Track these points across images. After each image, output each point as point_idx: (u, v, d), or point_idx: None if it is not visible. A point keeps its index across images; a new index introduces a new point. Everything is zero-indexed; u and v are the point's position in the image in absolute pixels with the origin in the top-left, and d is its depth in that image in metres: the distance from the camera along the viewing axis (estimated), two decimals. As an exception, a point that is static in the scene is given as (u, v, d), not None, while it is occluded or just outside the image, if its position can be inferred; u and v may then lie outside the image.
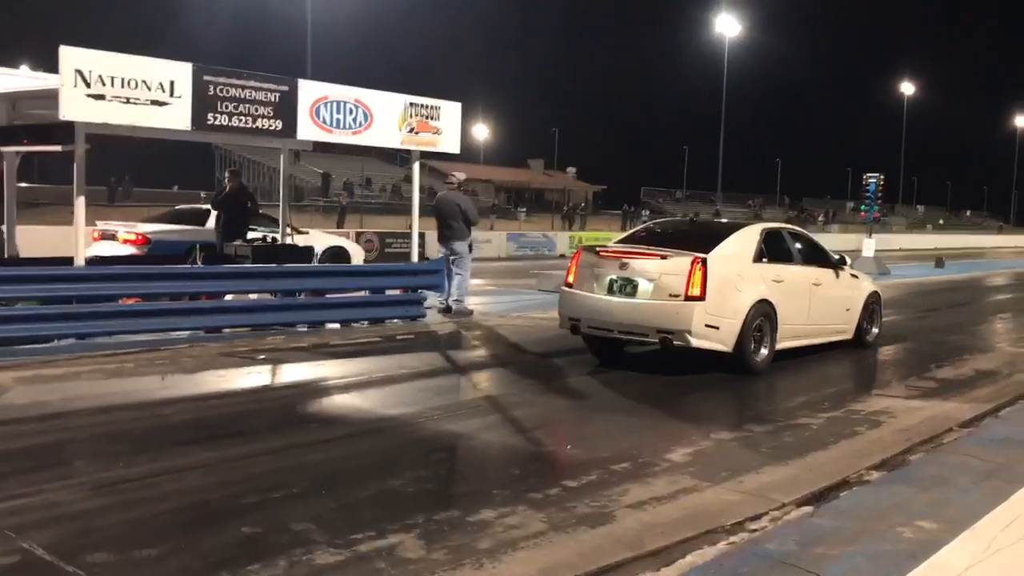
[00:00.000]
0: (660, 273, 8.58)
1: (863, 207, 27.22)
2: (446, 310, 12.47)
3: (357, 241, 20.70)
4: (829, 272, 10.20)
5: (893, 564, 4.07)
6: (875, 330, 11.15)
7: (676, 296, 8.42)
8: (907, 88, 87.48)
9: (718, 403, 7.89)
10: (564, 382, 8.24)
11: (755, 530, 4.58)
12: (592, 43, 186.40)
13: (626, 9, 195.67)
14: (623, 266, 8.77)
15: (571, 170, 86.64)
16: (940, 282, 23.46)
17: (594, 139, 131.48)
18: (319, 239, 17.99)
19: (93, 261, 11.08)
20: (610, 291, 8.84)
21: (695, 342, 8.43)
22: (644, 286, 8.64)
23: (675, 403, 7.67)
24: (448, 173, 14.70)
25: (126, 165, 49.35)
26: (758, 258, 9.20)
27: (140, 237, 13.82)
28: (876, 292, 11.19)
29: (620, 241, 9.90)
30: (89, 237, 14.74)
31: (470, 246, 12.75)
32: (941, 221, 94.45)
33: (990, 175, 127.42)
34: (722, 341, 8.56)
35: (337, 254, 17.13)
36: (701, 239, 9.08)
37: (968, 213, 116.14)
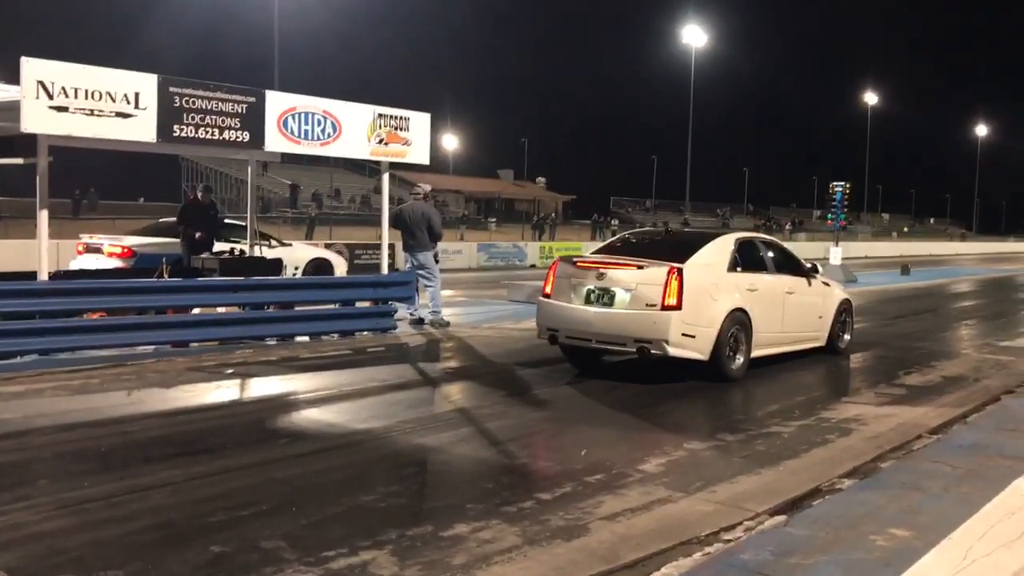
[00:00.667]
0: (637, 283, 8.64)
1: (830, 215, 27.54)
2: (417, 322, 12.41)
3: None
4: (802, 280, 10.33)
5: (867, 573, 4.08)
6: (847, 337, 11.30)
7: (653, 306, 8.49)
8: (871, 98, 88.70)
9: (691, 412, 7.90)
10: (536, 393, 8.20)
11: (729, 540, 4.57)
12: (560, 54, 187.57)
13: (594, 20, 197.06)
14: (600, 276, 8.82)
15: (541, 180, 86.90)
16: (906, 289, 23.74)
17: (564, 150, 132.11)
18: (302, 251, 17.93)
19: (78, 274, 10.93)
20: (588, 301, 8.89)
21: (672, 351, 8.50)
22: (621, 296, 8.70)
23: (648, 413, 7.66)
24: (415, 184, 14.65)
25: (91, 177, 48.78)
26: (732, 267, 9.30)
27: (126, 250, 13.71)
28: (847, 300, 11.35)
29: (597, 252, 9.94)
30: (74, 250, 14.67)
31: (436, 257, 12.70)
32: (906, 229, 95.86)
33: (952, 184, 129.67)
34: (699, 350, 8.65)
35: (320, 266, 17.07)
36: (676, 249, 9.17)
37: (932, 221, 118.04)
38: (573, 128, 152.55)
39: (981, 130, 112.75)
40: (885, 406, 8.03)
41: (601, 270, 8.87)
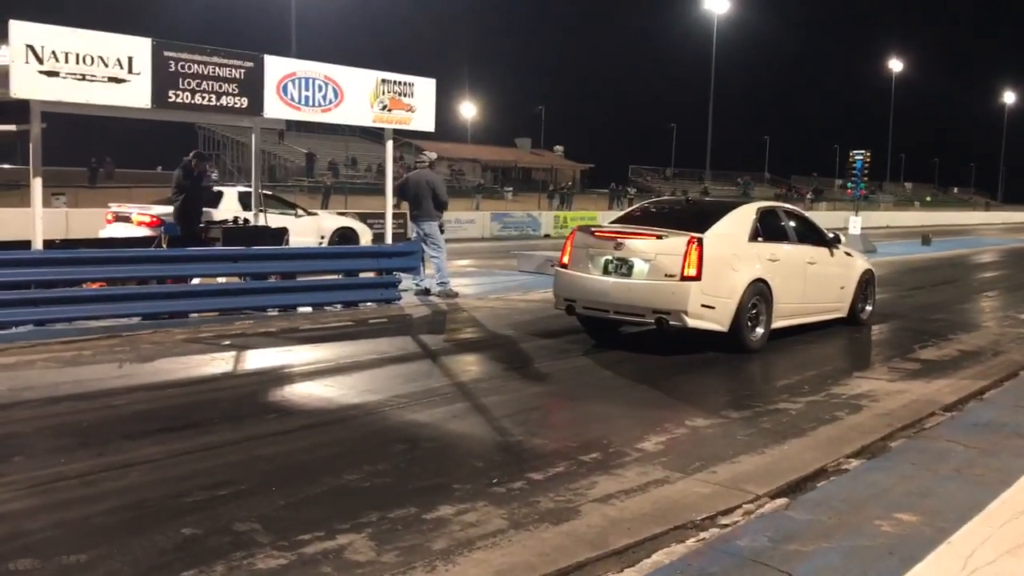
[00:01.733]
0: (656, 253, 8.49)
1: (850, 184, 27.03)
2: (422, 292, 12.20)
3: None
4: (823, 251, 10.15)
5: (869, 561, 3.86)
6: (868, 308, 11.15)
7: (672, 276, 8.35)
8: (895, 65, 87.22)
9: (697, 387, 7.65)
10: (538, 367, 7.98)
11: (726, 525, 4.35)
12: (579, 21, 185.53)
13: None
14: (619, 246, 8.67)
15: (558, 149, 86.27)
16: (926, 259, 23.30)
17: (581, 118, 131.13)
18: (328, 220, 17.83)
19: (108, 243, 10.81)
20: (605, 271, 8.76)
21: (691, 322, 8.38)
22: (640, 266, 8.56)
23: (650, 388, 7.43)
24: (420, 151, 14.40)
25: (108, 146, 48.85)
26: (753, 237, 9.12)
27: (154, 219, 13.68)
28: (870, 270, 11.18)
29: (615, 221, 9.75)
30: (103, 219, 14.75)
31: (441, 227, 12.45)
32: (928, 198, 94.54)
33: (977, 152, 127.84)
34: (718, 321, 8.52)
35: (346, 235, 17.00)
36: (696, 218, 8.97)
37: (955, 190, 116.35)
38: (591, 96, 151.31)
39: (1008, 97, 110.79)
40: (898, 381, 7.76)
41: (619, 240, 8.72)
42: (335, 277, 11.35)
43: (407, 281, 12.11)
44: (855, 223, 25.01)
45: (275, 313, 10.29)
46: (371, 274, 11.51)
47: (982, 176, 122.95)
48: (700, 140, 73.93)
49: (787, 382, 7.72)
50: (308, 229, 16.79)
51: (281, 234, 12.01)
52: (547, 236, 32.11)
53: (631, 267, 8.62)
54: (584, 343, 9.21)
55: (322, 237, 16.88)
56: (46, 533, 4.01)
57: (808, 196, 69.86)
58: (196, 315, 9.73)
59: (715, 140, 72.43)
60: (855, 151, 25.75)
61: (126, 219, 14.20)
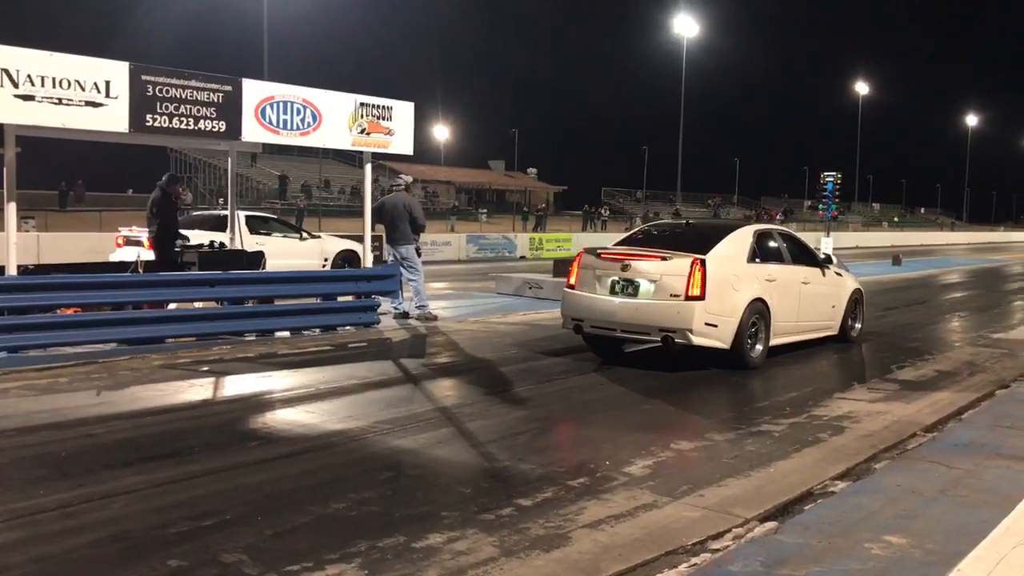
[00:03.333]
0: (661, 274, 8.84)
1: (821, 206, 27.33)
2: (401, 316, 12.15)
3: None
4: (816, 271, 10.57)
5: (862, 585, 3.86)
6: (858, 325, 11.56)
7: (677, 296, 8.71)
8: (862, 88, 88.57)
9: (678, 410, 7.64)
10: (520, 391, 7.96)
11: (717, 550, 4.34)
12: (551, 45, 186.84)
13: (585, 11, 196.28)
14: (625, 267, 9.02)
15: (532, 171, 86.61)
16: (897, 280, 23.59)
17: (555, 140, 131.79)
18: (331, 243, 17.86)
19: (82, 268, 10.69)
20: (612, 292, 9.11)
21: (696, 340, 8.71)
22: (646, 286, 8.92)
23: (632, 412, 7.43)
24: (397, 174, 14.41)
25: (79, 169, 48.37)
26: (752, 258, 9.49)
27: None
28: (859, 289, 11.58)
29: (619, 244, 10.06)
30: (113, 243, 14.68)
31: (418, 250, 12.43)
32: (896, 219, 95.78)
33: (943, 173, 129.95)
34: (721, 339, 8.85)
35: (348, 258, 17.00)
36: (698, 241, 9.36)
37: (922, 210, 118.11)
38: (564, 119, 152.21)
39: (971, 120, 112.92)
40: (879, 402, 7.81)
41: (626, 261, 9.05)
42: (314, 301, 11.26)
43: (386, 305, 12.06)
44: (827, 243, 25.24)
45: (253, 338, 10.19)
46: (350, 298, 11.44)
47: (947, 196, 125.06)
48: (671, 162, 74.56)
49: (769, 403, 7.76)
50: (312, 252, 16.96)
51: (258, 258, 11.93)
52: (523, 258, 32.17)
53: (637, 287, 8.96)
54: (565, 366, 9.21)
55: (325, 260, 16.96)
56: (28, 568, 3.91)
57: (778, 217, 70.57)
58: (173, 340, 9.62)
59: (686, 162, 73.12)
60: (827, 172, 26.08)
61: (137, 243, 14.04)
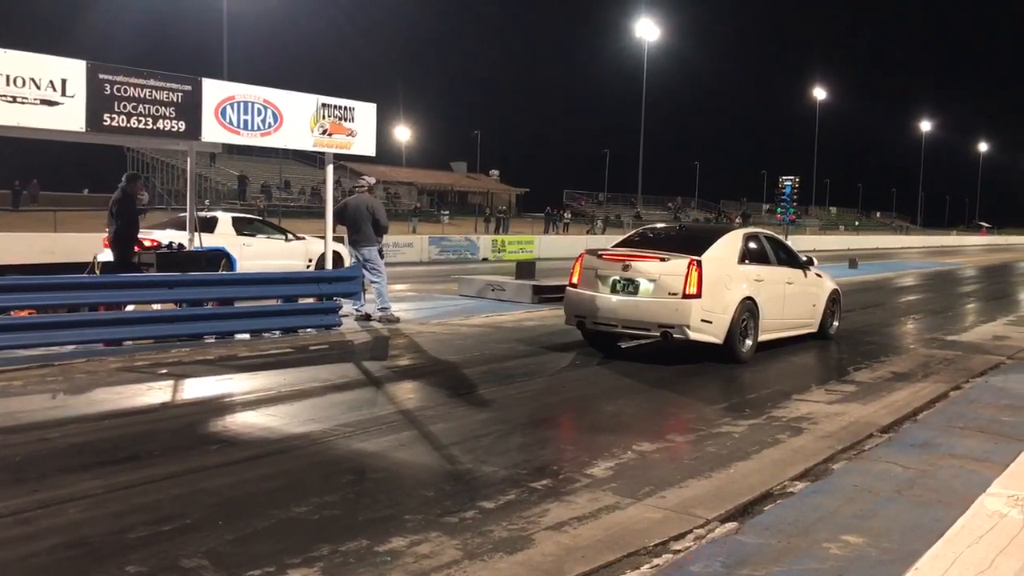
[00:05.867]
0: (660, 274, 9.46)
1: (779, 209, 27.72)
2: (363, 318, 12.09)
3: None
4: (799, 272, 11.24)
5: (820, 585, 3.92)
6: (836, 324, 12.26)
7: (675, 294, 9.35)
8: (820, 93, 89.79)
9: (638, 411, 7.68)
10: (483, 393, 7.96)
11: (679, 551, 4.37)
12: (514, 47, 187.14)
13: (548, 14, 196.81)
14: (626, 267, 9.65)
15: (494, 173, 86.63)
16: (854, 283, 23.92)
17: (517, 142, 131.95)
18: (315, 244, 17.84)
19: (37, 269, 10.51)
20: (614, 290, 9.73)
21: (692, 335, 9.36)
22: (645, 285, 9.55)
23: (595, 413, 7.47)
24: (359, 175, 14.39)
25: (31, 167, 47.44)
26: (742, 259, 10.15)
27: (153, 242, 13.60)
28: (837, 290, 12.33)
29: (617, 245, 10.60)
30: (101, 243, 14.46)
31: (380, 251, 12.40)
32: (857, 223, 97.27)
33: (898, 178, 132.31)
34: (715, 334, 9.51)
35: (332, 260, 16.91)
36: (692, 243, 9.98)
37: (878, 214, 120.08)
38: (527, 121, 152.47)
39: (926, 126, 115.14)
40: (836, 403, 7.94)
41: (626, 262, 9.67)
42: (274, 303, 11.16)
43: (347, 307, 11.99)
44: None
45: (212, 340, 10.08)
46: (311, 300, 11.36)
47: (903, 201, 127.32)
48: (632, 165, 74.96)
49: (727, 404, 7.83)
50: (298, 253, 17.10)
51: (218, 260, 11.80)
52: (485, 260, 32.17)
53: (637, 286, 9.58)
54: (528, 368, 9.24)
55: (310, 261, 17.03)
56: (-18, 575, 3.84)
57: (736, 220, 71.37)
58: (131, 343, 9.48)
59: (647, 165, 73.49)
60: (785, 177, 26.44)
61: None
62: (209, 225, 15.85)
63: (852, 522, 4.73)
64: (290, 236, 17.56)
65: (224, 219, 17.00)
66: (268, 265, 15.50)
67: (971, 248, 70.73)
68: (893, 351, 11.31)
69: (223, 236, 15.67)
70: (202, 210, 20.44)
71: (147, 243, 13.87)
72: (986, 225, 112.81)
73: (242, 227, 17.16)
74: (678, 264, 9.37)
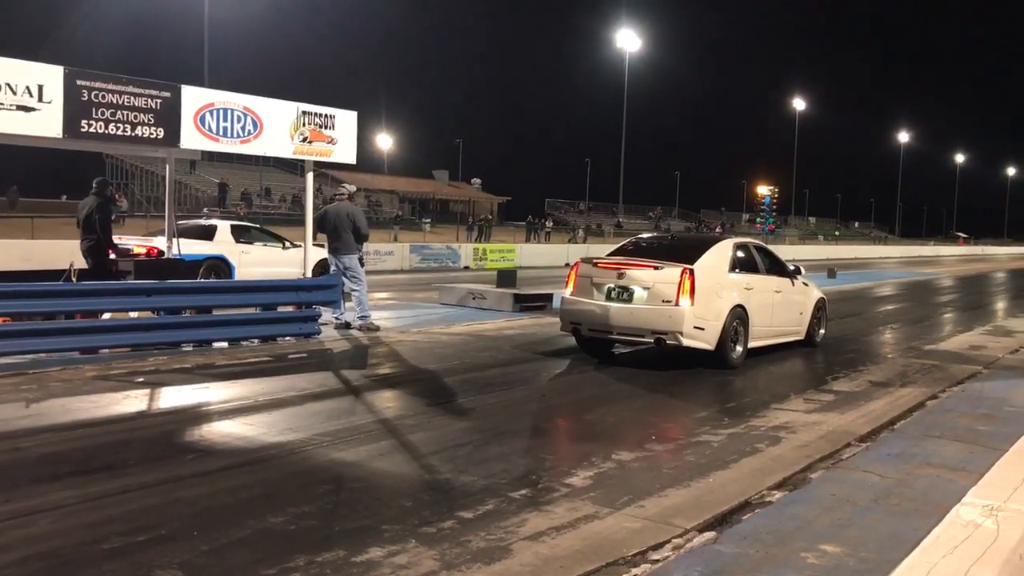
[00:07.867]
0: (654, 282, 9.64)
1: (759, 219, 27.88)
2: (343, 326, 12.04)
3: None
4: (787, 281, 11.50)
5: (798, 594, 3.92)
6: (822, 331, 12.52)
7: (668, 302, 9.52)
8: (799, 104, 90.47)
9: (617, 420, 7.68)
10: (463, 403, 7.93)
11: (657, 560, 4.37)
12: (497, 56, 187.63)
13: (531, 24, 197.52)
14: (620, 276, 9.82)
15: (476, 181, 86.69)
16: (833, 292, 24.01)
17: (499, 151, 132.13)
18: (315, 251, 17.64)
19: (11, 276, 10.38)
20: (608, 298, 9.87)
21: (686, 342, 9.52)
22: (639, 293, 9.71)
23: (575, 422, 7.47)
24: (340, 183, 14.38)
25: (8, 173, 47.01)
26: (732, 268, 10.36)
27: (151, 250, 13.88)
28: (823, 298, 12.60)
29: (611, 254, 10.78)
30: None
31: (361, 260, 12.36)
32: (837, 232, 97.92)
33: (876, 189, 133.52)
34: (707, 341, 9.68)
35: (326, 266, 16.96)
36: (684, 252, 10.18)
37: (856, 224, 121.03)
38: (509, 130, 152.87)
39: (904, 138, 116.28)
40: (814, 413, 7.97)
41: (621, 270, 9.86)
42: (253, 311, 11.09)
43: (327, 315, 11.94)
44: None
45: (190, 348, 10.00)
46: (289, 308, 11.31)
47: (881, 211, 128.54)
48: (613, 174, 75.29)
49: (706, 414, 7.85)
50: (295, 260, 17.06)
51: (194, 267, 11.72)
52: (467, 268, 32.13)
53: (632, 294, 9.73)
54: (508, 377, 9.23)
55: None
56: (-50, 588, 3.78)
57: (716, 230, 71.71)
58: (107, 351, 9.39)
59: (628, 175, 73.87)
60: (764, 187, 26.58)
61: (125, 251, 13.76)
62: (208, 233, 16.00)
63: (830, 531, 4.74)
64: (288, 244, 17.62)
65: (223, 227, 17.15)
66: (266, 272, 15.63)
67: (949, 258, 71.38)
68: (871, 360, 11.38)
69: (222, 244, 15.75)
70: (202, 218, 20.59)
71: (144, 251, 13.96)
72: (963, 236, 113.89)
73: (240, 235, 17.38)
74: (672, 272, 9.55)
